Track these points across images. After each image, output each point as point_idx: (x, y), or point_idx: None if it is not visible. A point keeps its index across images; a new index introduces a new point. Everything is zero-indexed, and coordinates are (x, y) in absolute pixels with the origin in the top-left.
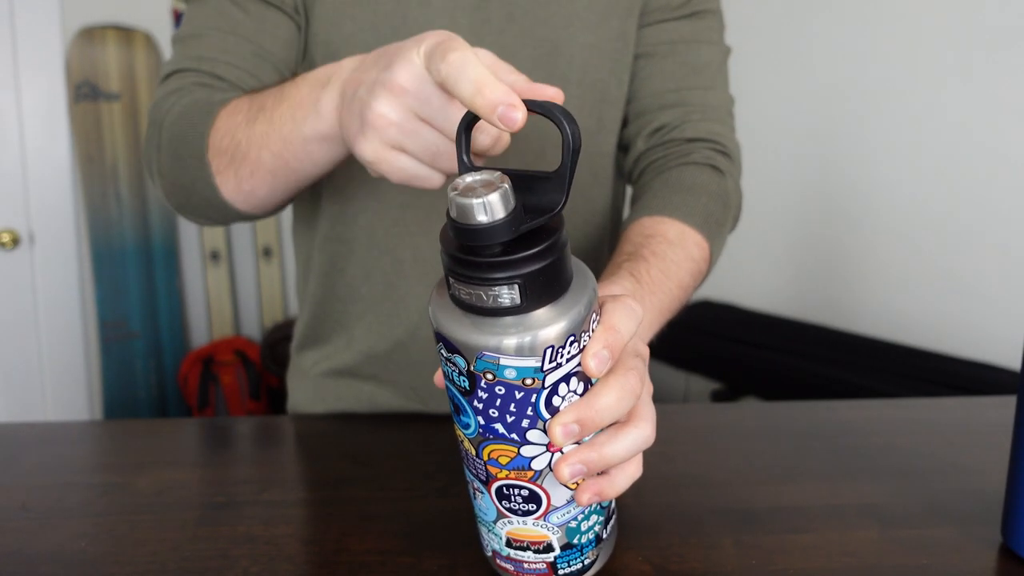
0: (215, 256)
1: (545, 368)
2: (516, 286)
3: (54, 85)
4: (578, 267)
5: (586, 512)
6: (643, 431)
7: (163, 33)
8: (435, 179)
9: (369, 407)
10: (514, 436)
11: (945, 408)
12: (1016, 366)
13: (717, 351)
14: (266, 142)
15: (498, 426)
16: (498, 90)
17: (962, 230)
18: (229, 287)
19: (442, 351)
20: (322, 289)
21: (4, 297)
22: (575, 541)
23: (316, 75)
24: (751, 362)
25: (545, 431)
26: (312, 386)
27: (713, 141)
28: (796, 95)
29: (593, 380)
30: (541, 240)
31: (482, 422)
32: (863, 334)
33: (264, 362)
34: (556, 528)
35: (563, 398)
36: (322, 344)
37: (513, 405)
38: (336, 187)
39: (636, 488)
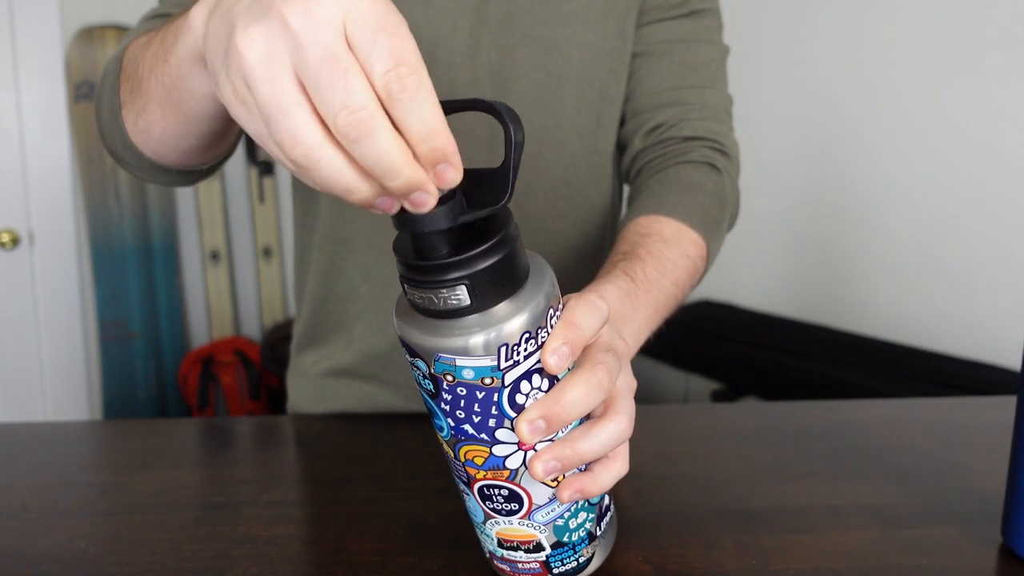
0: (215, 256)
1: (503, 367)
2: (463, 286)
3: (54, 85)
4: (535, 264)
5: (573, 509)
6: (618, 425)
7: None
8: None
9: (369, 407)
10: (484, 436)
11: (945, 408)
12: (1016, 366)
13: (717, 351)
14: (154, 66)
15: (467, 427)
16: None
17: (962, 230)
18: (229, 287)
19: (407, 355)
20: (321, 289)
21: (4, 297)
22: (565, 539)
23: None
24: (751, 362)
25: (513, 429)
26: (312, 386)
27: (711, 140)
28: (796, 95)
29: (560, 376)
30: (487, 239)
31: (452, 423)
32: (863, 334)
33: (264, 362)
34: (543, 527)
35: (527, 396)
36: (322, 344)
37: (477, 405)
38: None
39: (636, 488)
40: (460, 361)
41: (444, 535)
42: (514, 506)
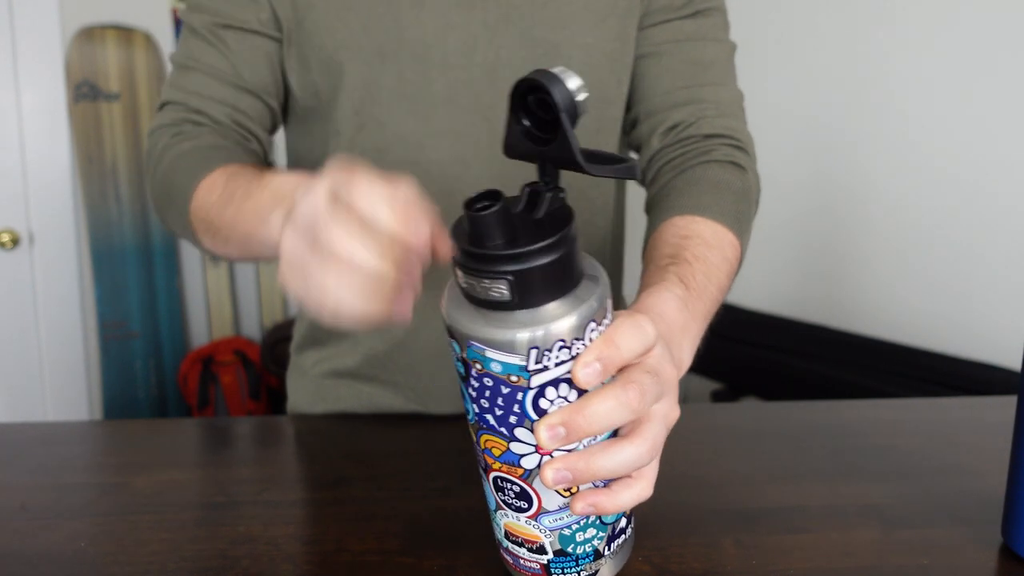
0: (215, 256)
1: (531, 368)
2: (505, 281)
3: (54, 85)
4: (590, 274)
5: (582, 523)
6: (638, 448)
7: (163, 33)
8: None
9: (369, 408)
10: (503, 431)
11: (945, 408)
12: (1016, 366)
13: (717, 351)
14: (233, 231)
15: (489, 417)
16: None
17: (962, 230)
18: (229, 287)
19: (446, 333)
20: None
21: (4, 297)
22: (570, 550)
23: (278, 185)
24: (751, 362)
25: (533, 431)
26: (312, 386)
27: (730, 137)
28: (797, 95)
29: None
30: (539, 238)
31: (476, 410)
32: (863, 334)
33: (264, 362)
34: (549, 531)
35: (552, 402)
36: (322, 345)
37: (500, 399)
38: None
39: None
40: (490, 353)
41: (444, 535)
42: (523, 504)
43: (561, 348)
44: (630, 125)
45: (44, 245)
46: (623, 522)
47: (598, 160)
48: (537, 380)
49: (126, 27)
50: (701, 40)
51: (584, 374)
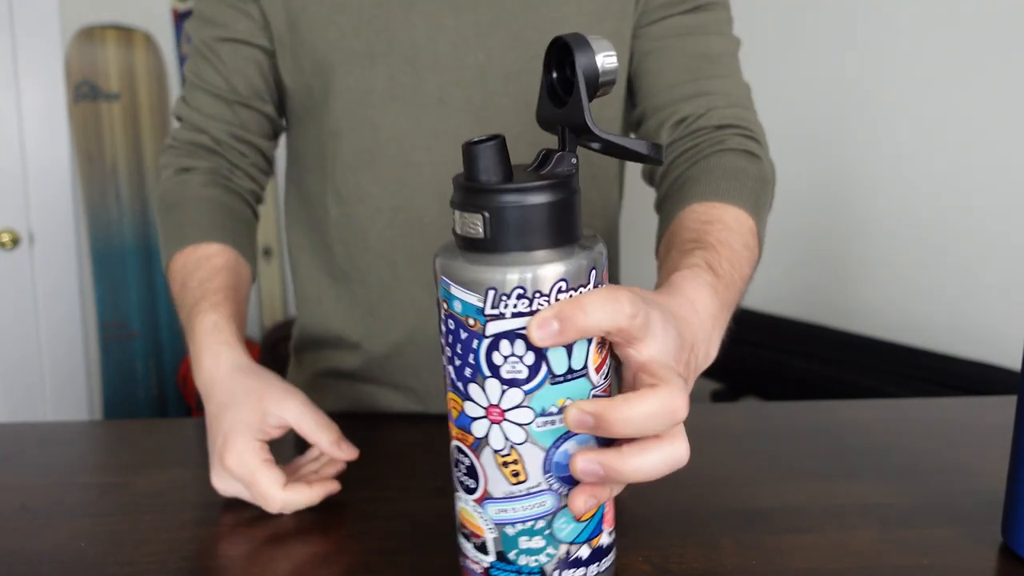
0: None
1: (487, 312)
2: (481, 217)
3: (54, 85)
4: (582, 243)
5: (529, 525)
6: (677, 448)
7: (163, 33)
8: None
9: (369, 407)
10: (460, 385)
11: (945, 408)
12: (1016, 366)
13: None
14: (184, 333)
15: (451, 369)
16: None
17: (963, 230)
18: None
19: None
20: None
21: (4, 297)
22: (511, 556)
23: (199, 372)
24: (751, 362)
25: (484, 390)
26: (312, 386)
27: (742, 127)
28: (797, 96)
29: (547, 353)
30: (523, 184)
31: (444, 362)
32: (863, 334)
33: (264, 362)
34: (492, 524)
35: (505, 359)
36: (322, 346)
37: (460, 347)
38: (330, 190)
39: (636, 488)
40: (454, 290)
41: (444, 535)
42: (471, 483)
43: (520, 297)
44: (636, 123)
45: (44, 245)
46: (583, 551)
47: (615, 135)
48: (492, 328)
49: (126, 27)
50: (704, 34)
51: (537, 331)
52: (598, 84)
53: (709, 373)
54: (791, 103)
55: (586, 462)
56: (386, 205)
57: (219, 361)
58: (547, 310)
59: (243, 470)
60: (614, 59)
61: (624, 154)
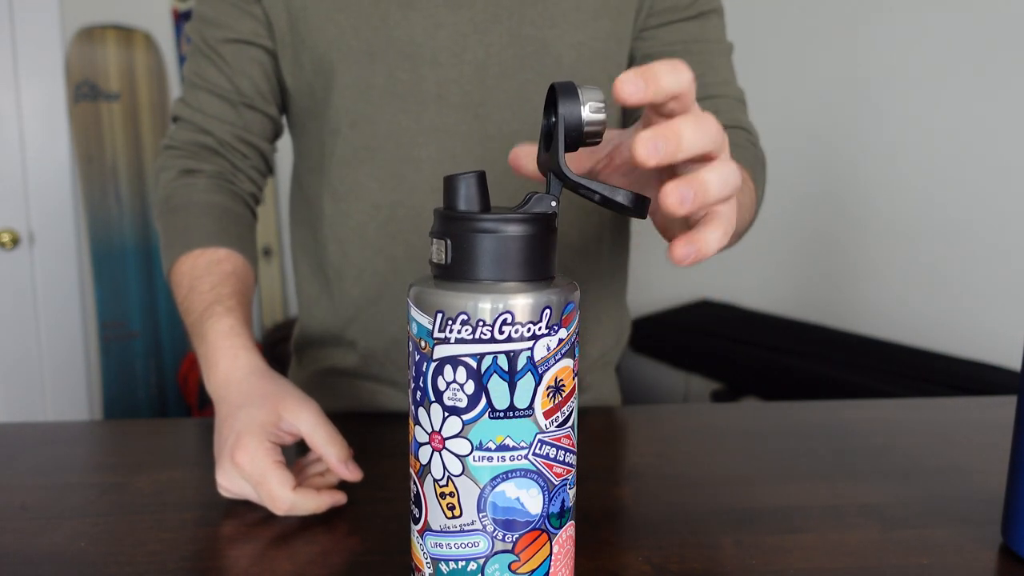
0: None
1: (435, 335)
2: (443, 242)
3: (54, 85)
4: (546, 284)
5: (461, 565)
6: (728, 164)
7: (163, 33)
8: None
9: (369, 407)
10: (413, 409)
11: (945, 408)
12: (1016, 366)
13: (717, 351)
14: (191, 337)
15: (410, 392)
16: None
17: (962, 230)
18: None
19: None
20: None
21: (4, 297)
22: None
23: (213, 373)
24: (751, 362)
25: (430, 415)
26: (312, 385)
27: (742, 129)
28: (796, 96)
29: (487, 386)
30: (484, 215)
31: (410, 384)
32: (863, 334)
33: None
34: (428, 558)
35: (447, 384)
36: (321, 344)
37: (414, 369)
38: (326, 187)
39: (636, 488)
40: (412, 312)
41: None
42: (416, 512)
43: (464, 324)
44: (619, 123)
45: (44, 245)
46: None
47: (589, 179)
48: (439, 351)
49: (126, 27)
50: (705, 42)
51: (624, 86)
52: (582, 134)
53: (709, 373)
54: (791, 104)
55: (678, 189)
56: (384, 200)
57: (238, 364)
58: (630, 71)
59: (253, 468)
60: (602, 112)
61: (605, 203)
